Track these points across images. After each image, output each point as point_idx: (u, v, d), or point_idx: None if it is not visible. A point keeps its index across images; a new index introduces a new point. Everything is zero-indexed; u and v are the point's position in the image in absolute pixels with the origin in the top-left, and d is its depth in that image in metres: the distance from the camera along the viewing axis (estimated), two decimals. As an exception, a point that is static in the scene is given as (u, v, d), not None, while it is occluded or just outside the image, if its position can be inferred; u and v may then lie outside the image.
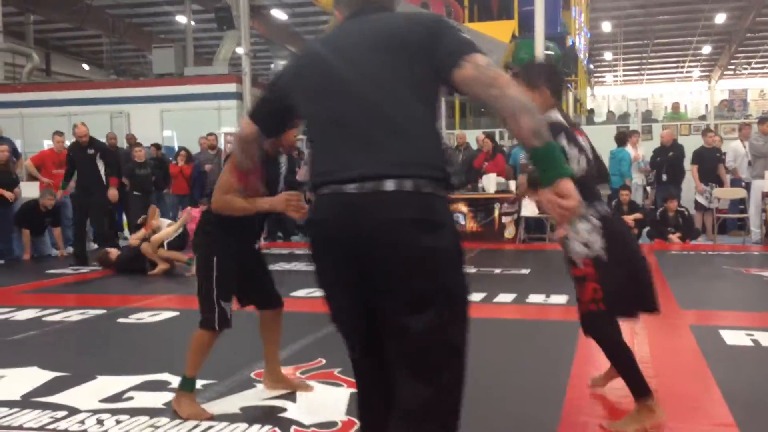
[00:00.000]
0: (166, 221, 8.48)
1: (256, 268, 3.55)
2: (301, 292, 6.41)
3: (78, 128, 8.97)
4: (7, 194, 8.84)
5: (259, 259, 3.59)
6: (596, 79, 36.19)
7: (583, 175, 2.82)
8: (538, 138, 1.69)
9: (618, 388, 3.51)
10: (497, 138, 13.56)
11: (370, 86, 1.79)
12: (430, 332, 1.78)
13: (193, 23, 24.26)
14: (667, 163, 10.85)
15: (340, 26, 1.99)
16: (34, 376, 3.83)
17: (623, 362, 2.96)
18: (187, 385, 3.27)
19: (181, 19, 24.74)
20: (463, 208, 10.86)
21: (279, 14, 24.29)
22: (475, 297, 6.14)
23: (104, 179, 8.97)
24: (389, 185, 1.72)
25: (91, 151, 8.94)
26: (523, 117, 1.69)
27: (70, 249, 9.60)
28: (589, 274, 2.89)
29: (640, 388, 2.92)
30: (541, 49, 15.62)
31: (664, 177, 10.88)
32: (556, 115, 2.96)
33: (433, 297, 1.78)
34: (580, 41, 21.25)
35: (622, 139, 11.38)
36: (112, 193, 9.00)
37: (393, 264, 1.74)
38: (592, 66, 30.32)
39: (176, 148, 13.95)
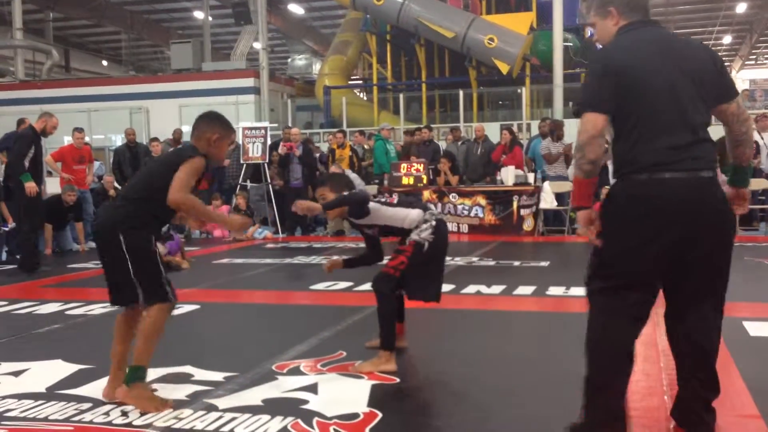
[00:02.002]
0: None
1: None
2: (321, 286, 6.42)
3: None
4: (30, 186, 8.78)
5: None
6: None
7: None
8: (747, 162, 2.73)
9: (639, 380, 3.49)
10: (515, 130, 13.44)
11: (683, 92, 2.50)
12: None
13: (210, 19, 24.34)
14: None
15: (636, 33, 2.61)
16: (59, 369, 3.88)
17: (387, 319, 3.80)
18: (141, 375, 3.20)
19: (199, 14, 24.83)
20: (482, 200, 10.83)
21: (296, 9, 24.32)
22: (495, 289, 6.12)
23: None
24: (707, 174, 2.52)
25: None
26: (748, 148, 2.69)
27: (92, 244, 9.69)
28: (408, 251, 3.84)
29: (389, 343, 3.76)
30: (559, 40, 15.53)
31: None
32: None
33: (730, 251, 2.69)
34: (598, 32, 21.04)
35: None
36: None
37: (719, 231, 2.58)
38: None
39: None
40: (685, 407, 2.76)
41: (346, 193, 3.89)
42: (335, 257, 4.32)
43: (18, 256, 8.37)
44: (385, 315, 3.80)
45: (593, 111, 2.51)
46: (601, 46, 2.79)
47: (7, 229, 9.08)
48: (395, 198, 4.09)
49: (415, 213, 3.90)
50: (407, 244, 3.85)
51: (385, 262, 4.07)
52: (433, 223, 3.90)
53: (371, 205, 3.86)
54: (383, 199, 4.05)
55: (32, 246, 8.05)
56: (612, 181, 2.74)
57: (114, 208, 3.36)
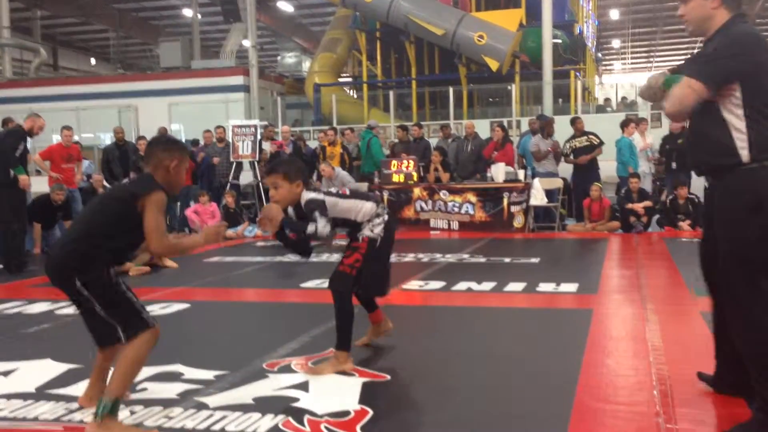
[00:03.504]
0: None
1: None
2: (311, 284, 6.42)
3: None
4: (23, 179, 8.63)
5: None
6: (604, 67, 35.98)
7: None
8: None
9: (629, 375, 3.51)
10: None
11: None
12: None
13: (199, 16, 24.26)
14: (676, 150, 10.78)
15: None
16: (48, 369, 3.86)
17: (345, 319, 3.75)
18: (114, 409, 2.87)
19: (188, 12, 24.73)
20: (472, 197, 10.85)
21: (285, 6, 24.25)
22: (485, 286, 6.14)
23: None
24: None
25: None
26: None
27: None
28: (362, 248, 3.79)
29: (345, 343, 3.74)
30: (548, 37, 15.56)
31: (674, 165, 10.82)
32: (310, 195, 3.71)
33: None
34: (588, 29, 21.13)
35: (621, 126, 11.32)
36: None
37: None
38: (600, 54, 30.14)
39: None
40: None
41: (316, 213, 3.63)
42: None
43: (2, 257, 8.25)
44: (343, 314, 3.75)
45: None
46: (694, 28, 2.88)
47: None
48: (347, 190, 3.97)
49: (368, 206, 3.81)
50: (361, 241, 3.79)
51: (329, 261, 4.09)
52: (385, 217, 3.86)
53: (327, 200, 3.71)
54: (334, 190, 3.92)
55: (18, 245, 8.00)
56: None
57: (65, 250, 3.01)
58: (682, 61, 3.03)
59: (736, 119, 2.71)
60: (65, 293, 3.01)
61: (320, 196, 3.69)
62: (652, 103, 3.20)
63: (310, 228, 3.59)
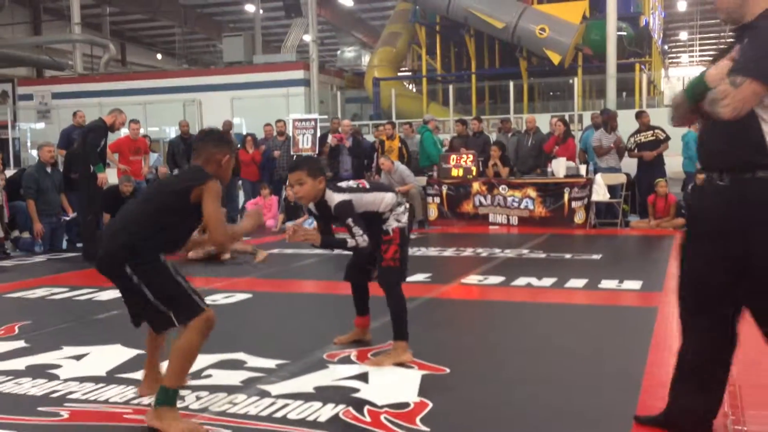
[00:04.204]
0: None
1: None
2: (370, 276, 6.45)
3: None
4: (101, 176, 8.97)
5: None
6: (671, 60, 35.02)
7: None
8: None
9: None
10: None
11: None
12: None
13: (261, 12, 24.61)
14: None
15: None
16: (118, 354, 4.00)
17: (401, 308, 3.80)
18: (172, 398, 2.88)
19: (250, 8, 25.11)
20: (532, 192, 10.72)
21: (345, 1, 24.37)
22: (545, 282, 6.07)
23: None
24: None
25: None
26: None
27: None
28: (396, 239, 3.80)
29: (403, 333, 3.78)
30: (613, 30, 15.22)
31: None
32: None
33: None
34: (654, 21, 20.58)
35: None
36: None
37: None
38: (666, 46, 29.35)
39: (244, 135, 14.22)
40: None
41: (350, 220, 3.64)
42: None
43: (80, 245, 8.63)
44: (399, 306, 3.80)
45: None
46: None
47: (68, 219, 9.37)
48: (366, 183, 3.95)
49: (389, 196, 3.84)
50: (392, 233, 3.80)
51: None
52: (407, 205, 3.94)
53: (354, 198, 3.71)
54: (354, 185, 3.87)
55: (95, 235, 8.31)
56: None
57: (115, 240, 2.99)
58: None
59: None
60: (115, 282, 3.02)
61: (346, 196, 3.70)
62: (685, 125, 2.84)
63: (350, 243, 3.65)
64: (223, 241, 3.14)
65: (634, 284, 5.87)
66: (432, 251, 8.32)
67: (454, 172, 11.33)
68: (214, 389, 3.34)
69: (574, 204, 10.47)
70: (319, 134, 12.30)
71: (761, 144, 2.46)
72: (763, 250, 2.48)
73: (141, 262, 2.93)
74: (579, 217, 10.44)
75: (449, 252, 8.19)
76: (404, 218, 3.85)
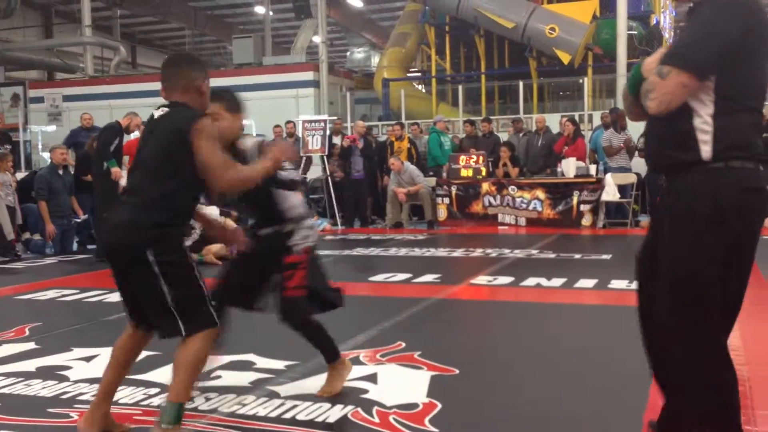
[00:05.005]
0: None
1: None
2: (380, 277, 6.45)
3: None
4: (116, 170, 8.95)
5: None
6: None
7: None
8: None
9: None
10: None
11: None
12: None
13: (271, 13, 24.63)
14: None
15: None
16: (128, 355, 4.00)
17: (322, 331, 3.25)
18: (181, 415, 2.64)
19: (260, 9, 25.16)
20: (541, 194, 10.68)
21: (355, 2, 24.39)
22: (555, 282, 6.05)
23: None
24: None
25: None
26: None
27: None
28: (303, 263, 3.13)
29: (332, 354, 3.29)
30: (623, 29, 15.15)
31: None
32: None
33: None
34: (664, 19, 20.46)
35: None
36: None
37: None
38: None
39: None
40: None
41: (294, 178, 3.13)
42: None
43: (91, 247, 8.70)
44: (322, 330, 3.26)
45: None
46: None
47: (78, 220, 9.42)
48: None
49: (297, 199, 3.19)
50: (298, 254, 3.13)
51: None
52: (313, 221, 3.33)
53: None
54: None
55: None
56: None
57: (135, 221, 2.59)
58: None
59: (701, 105, 2.15)
60: (126, 274, 2.65)
61: (260, 139, 3.18)
62: (642, 119, 2.46)
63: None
64: (232, 184, 2.64)
65: (645, 284, 5.83)
66: (441, 252, 8.31)
67: (464, 173, 11.32)
68: (223, 390, 3.35)
69: (582, 207, 10.44)
70: (328, 135, 12.32)
71: (688, 140, 2.16)
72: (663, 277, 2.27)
73: (167, 249, 2.56)
74: (586, 220, 10.41)
75: (458, 252, 8.17)
76: (314, 237, 3.21)
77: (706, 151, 2.13)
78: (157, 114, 2.76)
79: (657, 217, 2.40)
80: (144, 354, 3.96)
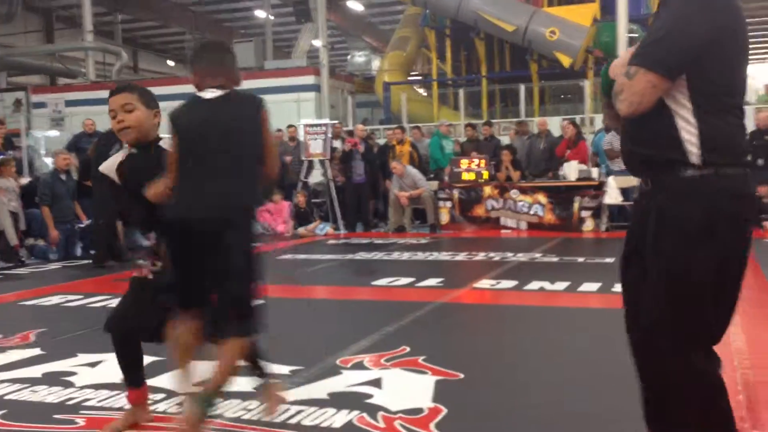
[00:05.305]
0: None
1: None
2: (383, 281, 6.46)
3: None
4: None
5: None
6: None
7: None
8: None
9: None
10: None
11: None
12: None
13: (271, 17, 24.69)
14: (763, 147, 10.34)
15: None
16: (133, 360, 4.00)
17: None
18: (212, 404, 2.59)
19: (260, 13, 25.22)
20: (542, 199, 10.69)
21: (355, 6, 24.43)
22: (559, 286, 6.05)
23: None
24: None
25: None
26: None
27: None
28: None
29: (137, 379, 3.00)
30: (623, 32, 15.16)
31: (760, 162, 10.38)
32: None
33: None
34: (665, 22, 20.46)
35: None
36: None
37: None
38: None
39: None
40: None
41: None
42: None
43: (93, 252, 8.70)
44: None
45: None
46: None
47: (82, 225, 9.43)
48: None
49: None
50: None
51: None
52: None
53: None
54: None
55: (101, 240, 8.36)
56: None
57: (234, 184, 2.47)
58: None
59: (678, 105, 2.03)
60: (200, 248, 2.44)
61: None
62: (610, 122, 2.40)
63: None
64: (275, 175, 2.61)
65: (648, 288, 5.83)
66: (444, 255, 8.31)
67: (466, 176, 11.33)
68: (228, 395, 3.34)
69: (583, 213, 10.45)
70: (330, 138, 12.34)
71: (675, 138, 2.04)
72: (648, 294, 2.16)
73: (249, 233, 2.43)
74: (587, 226, 10.42)
75: (461, 256, 8.18)
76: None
77: (694, 154, 2.01)
78: (208, 96, 2.63)
79: (639, 210, 2.21)
80: (148, 359, 3.98)
